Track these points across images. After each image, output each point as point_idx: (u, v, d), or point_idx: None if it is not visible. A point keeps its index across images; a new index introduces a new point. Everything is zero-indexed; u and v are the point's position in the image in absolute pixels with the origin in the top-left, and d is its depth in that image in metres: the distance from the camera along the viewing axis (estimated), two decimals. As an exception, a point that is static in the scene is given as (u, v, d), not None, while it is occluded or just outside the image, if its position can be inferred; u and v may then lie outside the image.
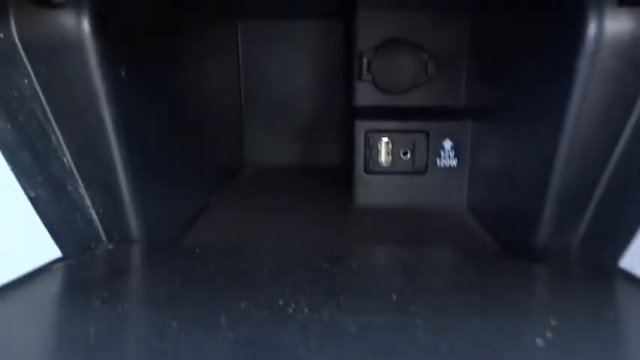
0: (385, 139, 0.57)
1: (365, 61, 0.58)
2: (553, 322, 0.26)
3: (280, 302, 0.29)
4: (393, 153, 0.58)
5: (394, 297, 0.30)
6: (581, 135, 0.35)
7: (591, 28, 0.32)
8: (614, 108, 0.34)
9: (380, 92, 0.60)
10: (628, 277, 0.32)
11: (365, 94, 0.60)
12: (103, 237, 0.40)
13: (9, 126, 0.33)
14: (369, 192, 0.59)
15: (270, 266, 0.35)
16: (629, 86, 0.33)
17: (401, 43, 0.58)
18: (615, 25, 0.32)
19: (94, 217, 0.39)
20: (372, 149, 0.58)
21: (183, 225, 0.50)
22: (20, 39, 0.34)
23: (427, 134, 0.57)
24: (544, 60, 0.38)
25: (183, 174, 0.51)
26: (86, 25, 0.34)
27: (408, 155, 0.58)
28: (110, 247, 0.39)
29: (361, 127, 0.57)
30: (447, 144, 0.57)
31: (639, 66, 0.32)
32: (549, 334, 0.25)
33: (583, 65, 0.33)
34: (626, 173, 0.35)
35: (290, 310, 0.28)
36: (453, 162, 0.58)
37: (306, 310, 0.28)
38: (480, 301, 0.29)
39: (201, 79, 0.58)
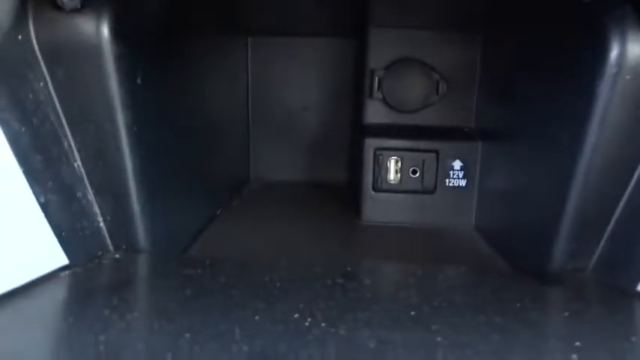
0: (394, 158, 0.57)
1: (376, 79, 0.58)
2: (577, 343, 0.26)
3: (295, 316, 0.28)
4: (401, 171, 0.57)
5: (412, 313, 0.29)
6: (601, 157, 0.35)
7: (614, 51, 0.32)
8: (634, 130, 0.34)
9: (390, 110, 0.60)
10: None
11: (375, 112, 0.60)
12: (110, 246, 0.39)
13: (23, 129, 0.32)
14: (377, 210, 0.58)
15: (282, 279, 0.34)
16: (650, 108, 0.33)
17: (412, 63, 0.58)
18: (638, 47, 0.32)
19: (102, 224, 0.39)
20: (380, 167, 0.57)
21: (190, 237, 0.49)
22: (38, 42, 0.34)
23: (437, 154, 0.57)
24: (562, 82, 0.38)
25: (192, 185, 0.50)
26: (105, 30, 0.34)
27: (417, 174, 0.57)
28: (117, 255, 0.38)
29: (371, 144, 0.57)
30: (457, 164, 0.57)
31: (661, 88, 0.32)
32: (575, 356, 0.24)
33: (604, 88, 0.33)
34: (645, 195, 0.35)
35: (306, 324, 0.27)
36: (462, 182, 0.57)
37: (322, 324, 0.27)
38: (499, 321, 0.28)
39: (211, 92, 0.58)
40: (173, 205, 0.45)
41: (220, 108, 0.62)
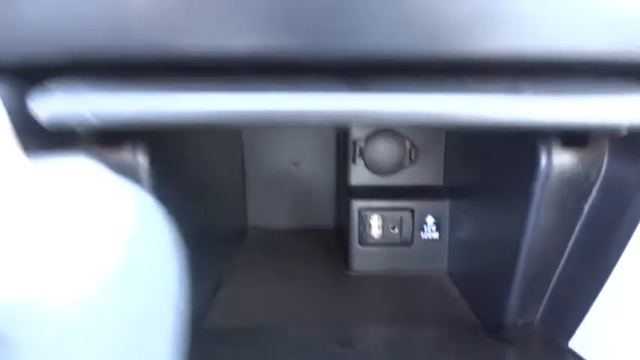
0: (376, 216, 0.66)
1: (358, 148, 0.67)
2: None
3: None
4: (383, 227, 0.66)
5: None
6: (539, 236, 0.44)
7: (542, 162, 0.41)
8: (562, 217, 0.43)
9: (371, 174, 0.69)
10: (576, 357, 0.41)
11: (358, 175, 0.69)
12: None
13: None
14: (363, 261, 0.67)
15: (289, 349, 0.43)
16: (572, 203, 0.42)
17: (388, 133, 0.67)
18: (560, 159, 0.41)
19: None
20: (365, 224, 0.66)
21: (205, 301, 0.57)
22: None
23: (412, 211, 0.66)
24: (508, 175, 0.47)
25: (200, 249, 0.58)
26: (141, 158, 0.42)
27: (396, 229, 0.66)
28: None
29: (356, 205, 0.66)
30: (430, 219, 0.66)
31: (577, 189, 0.42)
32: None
33: (537, 188, 0.42)
34: (575, 268, 0.44)
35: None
36: (435, 235, 0.67)
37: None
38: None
39: (213, 164, 0.66)
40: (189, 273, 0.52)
41: (220, 171, 0.70)
